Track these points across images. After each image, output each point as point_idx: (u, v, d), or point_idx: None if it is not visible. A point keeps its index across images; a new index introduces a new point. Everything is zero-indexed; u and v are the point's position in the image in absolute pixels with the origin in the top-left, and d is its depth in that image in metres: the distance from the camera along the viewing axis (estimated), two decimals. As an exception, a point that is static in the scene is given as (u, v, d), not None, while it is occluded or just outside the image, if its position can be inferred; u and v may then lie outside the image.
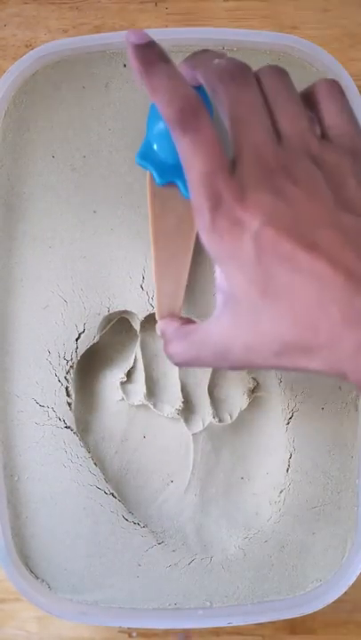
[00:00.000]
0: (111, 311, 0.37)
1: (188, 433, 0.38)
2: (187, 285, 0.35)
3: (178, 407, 0.38)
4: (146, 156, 0.33)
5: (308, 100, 0.30)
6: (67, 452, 0.37)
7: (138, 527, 0.37)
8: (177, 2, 0.41)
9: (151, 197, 0.34)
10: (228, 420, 0.38)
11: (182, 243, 0.35)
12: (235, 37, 0.36)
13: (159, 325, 0.34)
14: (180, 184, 0.33)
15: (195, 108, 0.26)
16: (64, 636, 0.40)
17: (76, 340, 0.37)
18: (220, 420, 0.38)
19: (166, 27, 0.41)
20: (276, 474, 0.38)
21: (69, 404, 0.37)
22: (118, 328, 0.38)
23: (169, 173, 0.33)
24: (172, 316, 0.34)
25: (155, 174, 0.33)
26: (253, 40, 0.36)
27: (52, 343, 0.37)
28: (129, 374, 0.38)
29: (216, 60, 0.28)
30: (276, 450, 0.38)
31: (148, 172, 0.34)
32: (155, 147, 0.33)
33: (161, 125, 0.33)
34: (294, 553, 0.37)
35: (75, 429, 0.37)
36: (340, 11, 0.41)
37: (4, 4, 0.41)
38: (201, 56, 0.29)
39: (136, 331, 0.38)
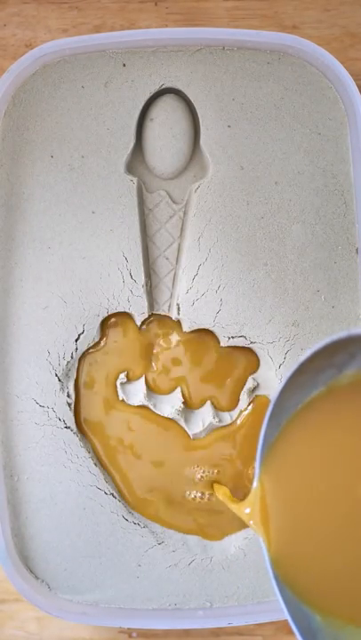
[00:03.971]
0: (110, 312, 0.37)
1: (189, 433, 0.38)
2: None
3: (178, 407, 0.38)
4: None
5: None
6: (67, 453, 0.37)
7: (138, 527, 0.37)
8: (177, 1, 0.41)
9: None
10: (228, 420, 0.38)
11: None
12: (235, 37, 0.36)
13: None
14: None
15: None
16: (64, 636, 0.40)
17: (76, 340, 0.37)
18: (220, 421, 0.38)
19: (166, 26, 0.40)
20: (276, 474, 0.38)
21: (69, 405, 0.37)
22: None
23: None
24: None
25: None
26: (253, 40, 0.36)
27: (52, 344, 0.37)
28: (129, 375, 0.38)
29: None
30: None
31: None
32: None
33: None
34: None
35: (75, 429, 0.37)
36: (341, 10, 0.41)
37: (4, 3, 0.41)
38: None
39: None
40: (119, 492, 0.38)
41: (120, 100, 0.37)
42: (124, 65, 0.37)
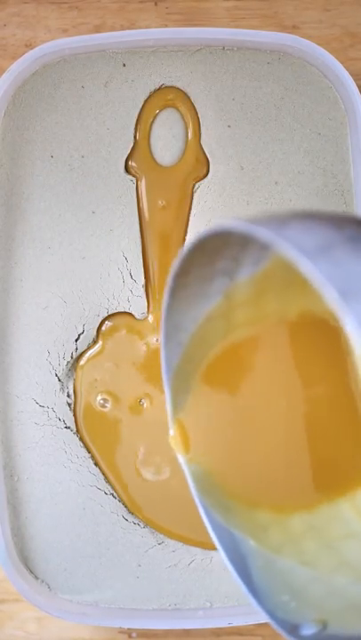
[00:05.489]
0: (110, 312, 0.37)
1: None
2: None
3: (178, 407, 0.38)
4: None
5: None
6: (67, 453, 0.37)
7: (138, 527, 0.37)
8: (177, 1, 0.41)
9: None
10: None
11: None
12: (234, 37, 0.36)
13: None
14: None
15: None
16: (64, 636, 0.40)
17: (76, 340, 0.37)
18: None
19: (166, 26, 0.40)
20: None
21: (69, 405, 0.37)
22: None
23: None
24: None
25: None
26: (253, 40, 0.36)
27: (52, 344, 0.37)
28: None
29: None
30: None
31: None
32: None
33: None
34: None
35: (75, 430, 0.37)
36: (341, 10, 0.41)
37: (4, 3, 0.41)
38: None
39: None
40: (117, 492, 0.38)
41: (120, 100, 0.37)
42: (124, 65, 0.37)
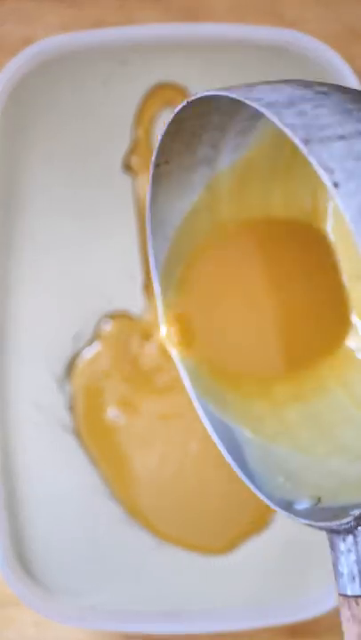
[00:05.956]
0: (110, 313, 0.37)
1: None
2: None
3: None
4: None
5: None
6: (66, 453, 0.37)
7: (138, 529, 0.37)
8: (177, -3, 0.41)
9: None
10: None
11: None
12: (235, 33, 0.36)
13: None
14: None
15: None
16: (63, 640, 0.40)
17: (75, 341, 0.37)
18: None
19: (166, 23, 0.40)
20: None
21: (69, 405, 0.37)
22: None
23: None
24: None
25: None
26: (254, 36, 0.36)
27: (51, 344, 0.37)
28: (128, 375, 0.38)
29: None
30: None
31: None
32: None
33: None
34: (297, 555, 0.37)
35: (73, 431, 0.37)
36: (343, 7, 0.41)
37: (3, 0, 0.41)
38: None
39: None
40: (118, 494, 0.37)
41: (119, 97, 0.37)
42: (124, 62, 0.37)
